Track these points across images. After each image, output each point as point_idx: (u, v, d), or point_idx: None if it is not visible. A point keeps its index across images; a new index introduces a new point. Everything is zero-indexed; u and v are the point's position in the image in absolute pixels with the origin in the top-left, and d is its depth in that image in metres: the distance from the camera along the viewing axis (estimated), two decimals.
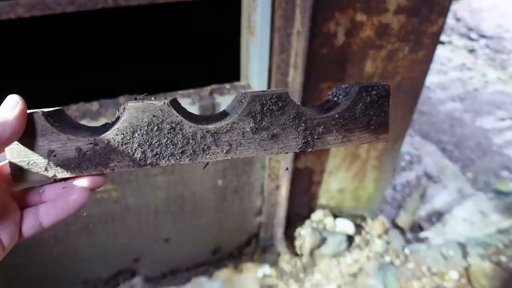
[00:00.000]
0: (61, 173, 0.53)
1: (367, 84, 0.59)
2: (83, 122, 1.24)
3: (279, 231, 2.01)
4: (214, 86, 1.44)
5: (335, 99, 0.62)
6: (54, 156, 0.52)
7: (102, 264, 1.84)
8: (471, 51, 4.78)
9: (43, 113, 0.50)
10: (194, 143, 0.54)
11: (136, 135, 0.52)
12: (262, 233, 2.02)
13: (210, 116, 0.58)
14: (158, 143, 0.53)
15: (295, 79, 1.41)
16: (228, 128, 0.55)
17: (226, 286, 2.03)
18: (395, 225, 2.46)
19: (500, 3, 6.15)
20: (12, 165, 0.51)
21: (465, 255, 2.28)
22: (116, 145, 0.52)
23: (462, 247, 2.35)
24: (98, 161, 0.53)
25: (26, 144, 0.51)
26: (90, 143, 0.52)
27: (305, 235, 2.06)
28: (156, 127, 0.52)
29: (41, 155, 0.51)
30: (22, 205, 0.54)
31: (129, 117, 0.51)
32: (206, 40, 2.88)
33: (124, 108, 0.52)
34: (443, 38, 5.03)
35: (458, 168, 3.10)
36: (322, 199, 2.10)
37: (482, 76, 4.31)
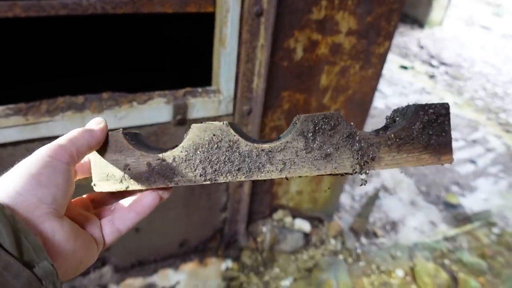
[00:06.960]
0: (133, 185, 0.59)
1: (424, 104, 0.58)
2: (69, 113, 1.40)
3: (242, 227, 2.19)
4: (188, 89, 1.63)
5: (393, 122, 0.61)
6: (129, 169, 0.58)
7: None
8: (431, 76, 5.15)
9: (122, 131, 0.58)
10: (250, 161, 0.57)
11: (198, 152, 0.57)
12: (227, 228, 2.20)
13: (266, 140, 0.59)
14: (217, 160, 0.57)
15: (258, 86, 1.62)
16: (282, 147, 0.57)
17: (191, 278, 2.19)
18: (351, 229, 2.68)
19: (461, 34, 6.62)
20: (95, 176, 0.59)
21: (411, 256, 2.51)
22: (180, 161, 0.58)
23: (410, 249, 2.58)
24: (165, 175, 0.58)
25: (107, 157, 0.59)
26: (159, 159, 0.58)
27: (266, 231, 2.25)
28: (215, 145, 0.57)
29: (118, 168, 0.58)
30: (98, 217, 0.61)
31: (192, 136, 0.57)
32: (182, 49, 3.08)
33: (189, 128, 0.58)
34: (406, 63, 5.41)
35: (412, 182, 3.36)
36: (283, 200, 2.30)
37: (440, 100, 4.65)
